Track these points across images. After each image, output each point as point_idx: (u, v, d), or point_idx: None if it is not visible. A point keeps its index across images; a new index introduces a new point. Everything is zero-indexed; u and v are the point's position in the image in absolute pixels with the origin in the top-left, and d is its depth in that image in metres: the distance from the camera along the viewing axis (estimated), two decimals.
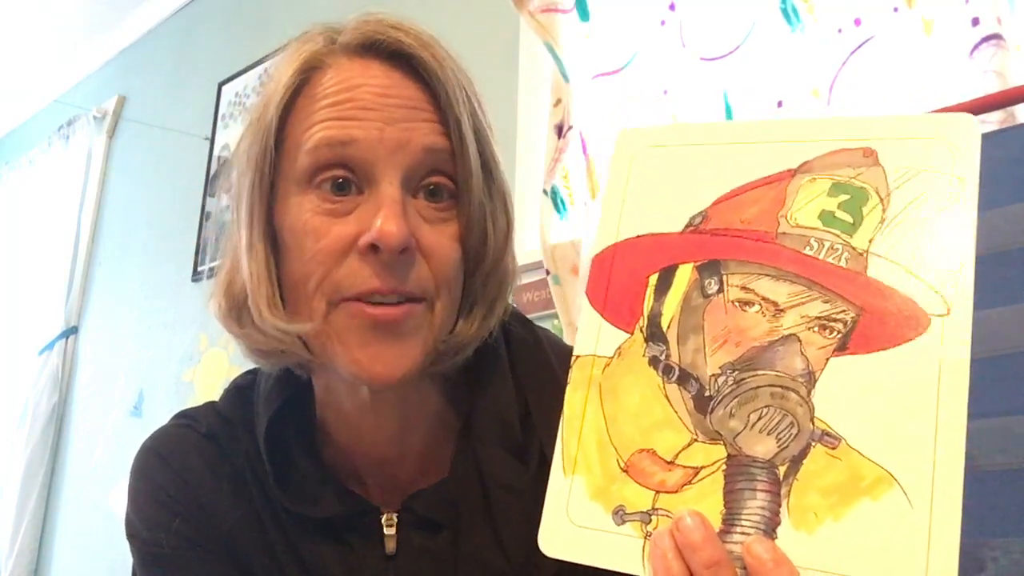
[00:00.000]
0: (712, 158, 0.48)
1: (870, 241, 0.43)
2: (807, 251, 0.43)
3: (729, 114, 1.32)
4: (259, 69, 2.50)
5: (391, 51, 0.56)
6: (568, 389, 0.46)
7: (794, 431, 0.41)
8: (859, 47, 1.21)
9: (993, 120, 1.02)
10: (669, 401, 0.43)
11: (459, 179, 0.55)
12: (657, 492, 0.42)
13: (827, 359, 0.41)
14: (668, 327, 0.45)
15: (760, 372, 0.42)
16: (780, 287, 0.43)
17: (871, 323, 0.41)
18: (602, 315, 0.46)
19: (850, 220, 0.44)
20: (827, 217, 0.44)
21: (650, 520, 0.42)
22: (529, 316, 1.68)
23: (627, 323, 0.46)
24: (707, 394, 0.43)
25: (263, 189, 0.56)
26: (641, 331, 0.45)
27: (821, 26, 1.25)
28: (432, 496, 0.60)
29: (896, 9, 1.18)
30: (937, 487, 0.38)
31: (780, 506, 0.40)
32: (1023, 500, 0.79)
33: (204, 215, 2.53)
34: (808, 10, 1.27)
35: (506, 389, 0.61)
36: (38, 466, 2.84)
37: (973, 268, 0.41)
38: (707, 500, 0.41)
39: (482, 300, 0.58)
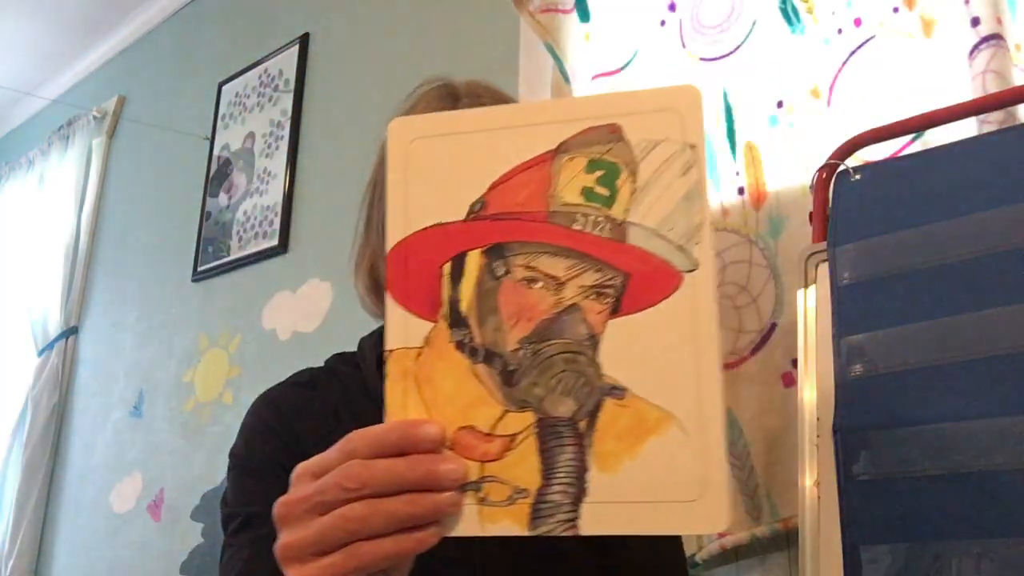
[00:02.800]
0: (482, 145, 0.51)
1: (626, 211, 0.48)
2: (575, 227, 0.49)
3: (729, 114, 1.32)
4: (259, 69, 2.50)
5: None
6: (387, 383, 0.49)
7: (587, 389, 0.47)
8: (859, 47, 1.21)
9: (993, 120, 1.02)
10: (479, 379, 0.48)
11: None
12: (482, 462, 0.47)
13: (605, 322, 0.47)
14: (468, 312, 0.49)
15: (552, 342, 0.48)
16: (558, 262, 0.49)
17: (637, 285, 0.48)
18: (407, 308, 0.50)
19: (607, 194, 0.49)
20: (588, 193, 0.49)
21: (479, 488, 0.47)
22: None
23: (430, 313, 0.50)
24: (511, 368, 0.48)
25: None
26: (444, 319, 0.50)
27: (821, 26, 1.25)
28: None
29: (896, 9, 1.18)
30: (704, 416, 0.45)
31: (586, 455, 0.46)
32: (1023, 500, 0.80)
33: (204, 215, 2.53)
34: (808, 10, 1.27)
35: None
36: (38, 466, 2.84)
37: (710, 224, 0.48)
38: (526, 462, 0.47)
39: None
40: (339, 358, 0.88)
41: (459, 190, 0.51)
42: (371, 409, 0.77)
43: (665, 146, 0.48)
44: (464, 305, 0.49)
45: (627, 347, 0.47)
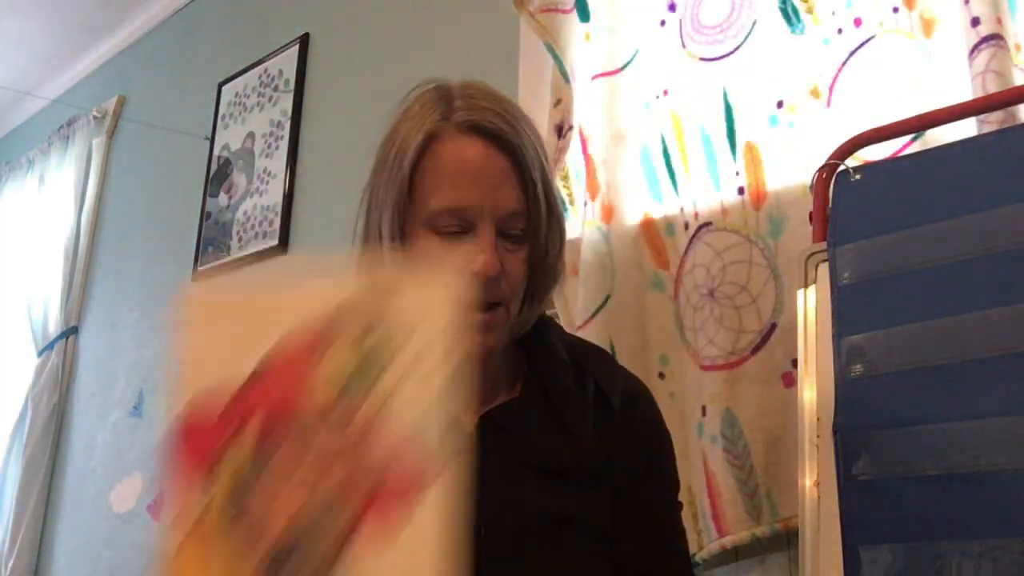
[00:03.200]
0: (261, 315, 0.53)
1: (383, 402, 0.49)
2: (328, 424, 0.49)
3: (729, 114, 1.32)
4: (259, 69, 2.50)
5: (490, 133, 0.80)
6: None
7: None
8: (859, 47, 1.21)
9: (993, 120, 1.02)
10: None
11: (531, 226, 0.81)
12: None
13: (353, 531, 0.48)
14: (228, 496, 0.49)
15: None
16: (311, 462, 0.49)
17: (387, 489, 0.48)
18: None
19: (367, 385, 0.49)
20: (348, 386, 0.49)
21: None
22: None
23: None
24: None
25: (399, 221, 0.80)
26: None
27: (821, 26, 1.25)
28: (505, 408, 0.84)
29: (896, 9, 1.18)
30: None
31: None
32: (1022, 500, 0.80)
33: (204, 215, 2.53)
34: (808, 10, 1.27)
35: (558, 343, 0.87)
36: (38, 466, 2.84)
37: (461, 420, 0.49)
38: None
39: (541, 294, 0.85)
40: None
41: (240, 358, 0.51)
42: None
43: (423, 331, 0.49)
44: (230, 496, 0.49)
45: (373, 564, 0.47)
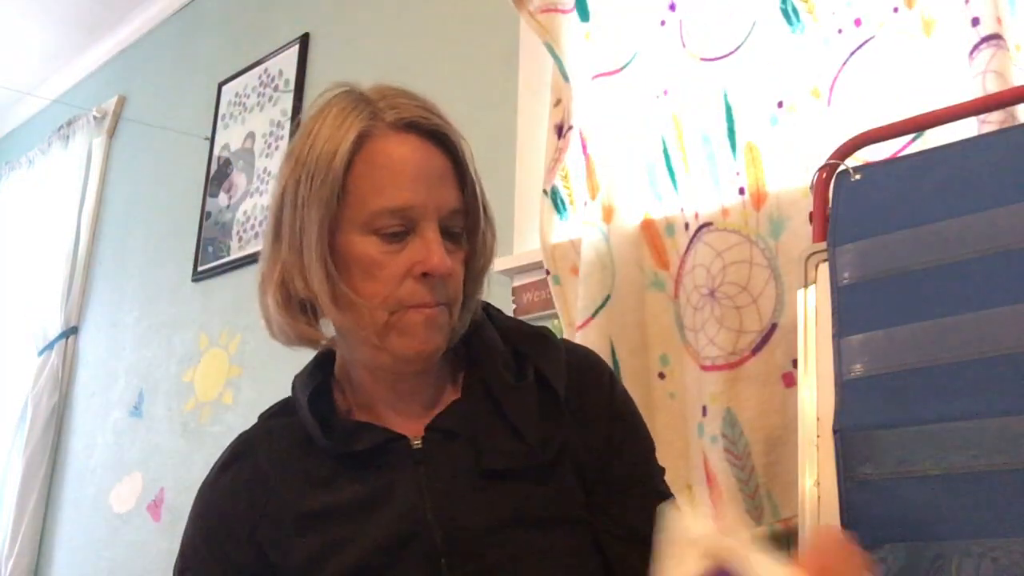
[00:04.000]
0: None
1: None
2: None
3: (729, 114, 1.32)
4: (259, 69, 2.50)
5: (427, 130, 0.77)
6: None
7: None
8: (859, 47, 1.21)
9: (993, 120, 1.02)
10: None
11: (470, 225, 0.80)
12: None
13: None
14: None
15: None
16: None
17: None
18: None
19: None
20: None
21: None
22: (529, 316, 1.68)
23: None
24: None
25: (328, 224, 0.75)
26: None
27: (821, 26, 1.25)
28: (448, 413, 0.82)
29: (896, 9, 1.18)
30: None
31: None
32: (1022, 500, 0.80)
33: (204, 215, 2.53)
34: (808, 10, 1.27)
35: (493, 334, 0.85)
36: (38, 466, 2.84)
37: None
38: None
39: (475, 293, 0.84)
40: (274, 412, 0.87)
41: None
42: (302, 459, 0.81)
43: None
44: None
45: None
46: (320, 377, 0.86)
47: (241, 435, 0.87)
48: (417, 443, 0.80)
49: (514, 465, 0.78)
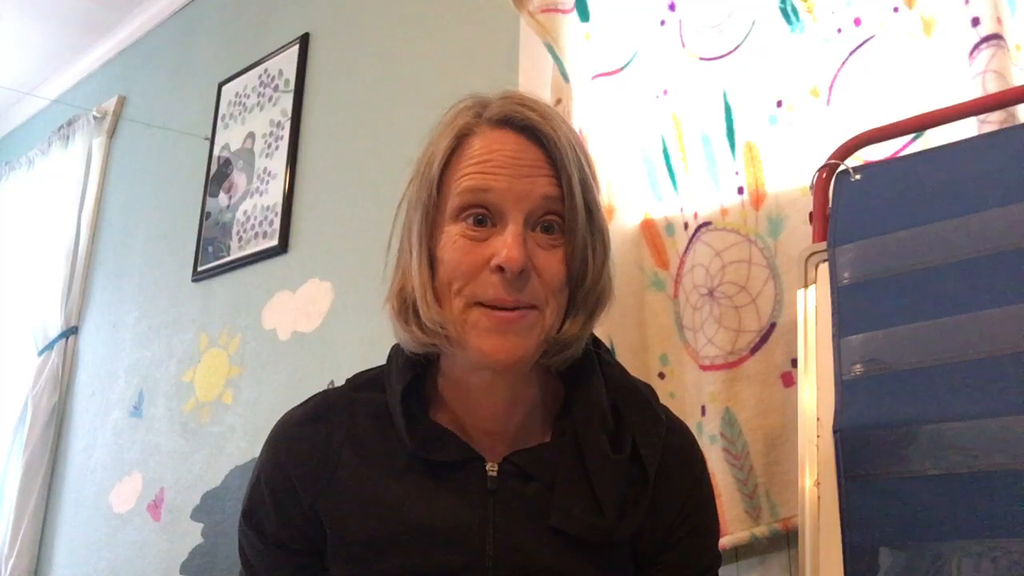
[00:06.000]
0: None
1: None
2: None
3: (729, 114, 1.32)
4: (259, 69, 2.50)
5: (522, 125, 0.76)
6: None
7: None
8: (859, 47, 1.21)
9: (993, 120, 1.02)
10: None
11: (567, 218, 0.74)
12: None
13: None
14: None
15: None
16: None
17: None
18: None
19: None
20: None
21: None
22: None
23: None
24: None
25: (428, 223, 0.76)
26: None
27: (821, 26, 1.25)
28: (530, 454, 0.79)
29: (896, 9, 1.18)
30: None
31: None
32: (1023, 500, 0.80)
33: (204, 215, 2.53)
34: (808, 10, 1.27)
35: (600, 387, 0.81)
36: (38, 466, 2.84)
37: None
38: None
39: (583, 309, 0.77)
40: (362, 384, 0.85)
41: None
42: (380, 442, 0.80)
43: None
44: None
45: None
46: (420, 369, 0.82)
47: (325, 396, 0.85)
48: (492, 471, 0.78)
49: (583, 535, 0.76)
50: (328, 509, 0.79)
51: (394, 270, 0.81)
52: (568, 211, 0.74)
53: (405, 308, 0.78)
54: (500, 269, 0.71)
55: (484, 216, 0.74)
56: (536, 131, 0.75)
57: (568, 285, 0.75)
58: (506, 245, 0.71)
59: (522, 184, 0.73)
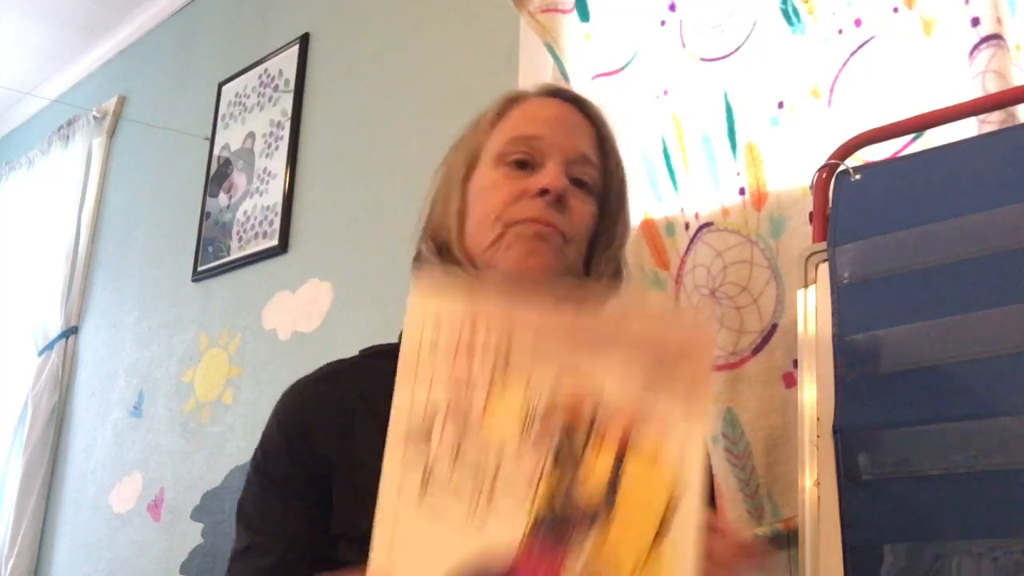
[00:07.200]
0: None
1: None
2: None
3: (730, 114, 1.32)
4: (259, 69, 2.50)
5: (570, 97, 0.85)
6: None
7: None
8: (859, 47, 1.21)
9: (993, 120, 1.02)
10: None
11: (603, 180, 0.82)
12: None
13: None
14: None
15: None
16: None
17: None
18: None
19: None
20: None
21: None
22: None
23: None
24: None
25: (468, 168, 0.82)
26: None
27: (821, 26, 1.25)
28: None
29: (896, 9, 1.18)
30: None
31: None
32: (1023, 500, 0.80)
33: (204, 215, 2.53)
34: (808, 10, 1.27)
35: None
36: (38, 466, 2.84)
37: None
38: None
39: (597, 275, 0.81)
40: (375, 353, 0.90)
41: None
42: (386, 402, 0.80)
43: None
44: None
45: None
46: None
47: (338, 361, 0.90)
48: None
49: None
50: (342, 456, 0.81)
51: (428, 216, 0.87)
52: (604, 173, 0.82)
53: (440, 247, 0.83)
54: (543, 192, 0.77)
55: (526, 160, 0.80)
56: (582, 104, 0.83)
57: (589, 240, 0.81)
58: (549, 173, 0.78)
59: (567, 137, 0.80)
